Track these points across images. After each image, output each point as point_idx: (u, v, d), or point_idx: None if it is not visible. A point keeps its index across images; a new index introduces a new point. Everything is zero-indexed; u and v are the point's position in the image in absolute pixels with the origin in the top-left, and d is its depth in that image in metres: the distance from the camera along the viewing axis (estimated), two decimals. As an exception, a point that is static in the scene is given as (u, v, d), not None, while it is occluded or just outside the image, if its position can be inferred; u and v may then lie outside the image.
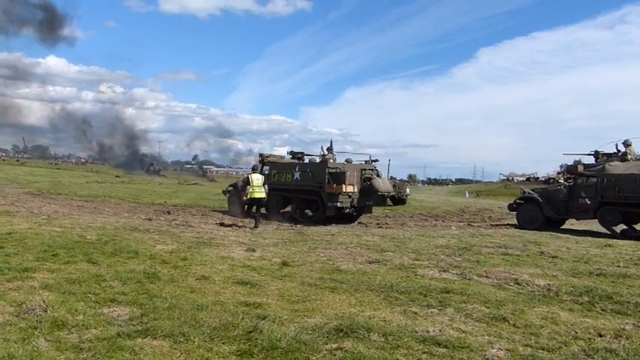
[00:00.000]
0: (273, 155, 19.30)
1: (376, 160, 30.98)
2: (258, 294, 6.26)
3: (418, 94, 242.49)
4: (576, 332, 5.14)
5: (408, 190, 30.14)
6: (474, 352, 4.42)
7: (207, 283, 6.69)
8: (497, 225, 18.51)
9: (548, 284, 7.35)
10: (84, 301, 5.45)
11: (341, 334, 4.69)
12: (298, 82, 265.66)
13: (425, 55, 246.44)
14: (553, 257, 10.15)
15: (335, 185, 15.55)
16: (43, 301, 5.14)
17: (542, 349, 4.58)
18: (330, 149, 17.73)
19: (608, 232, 15.68)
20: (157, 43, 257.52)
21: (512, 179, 74.95)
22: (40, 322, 4.63)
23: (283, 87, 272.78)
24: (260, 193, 14.22)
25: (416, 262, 9.08)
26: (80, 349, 4.08)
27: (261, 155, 19.03)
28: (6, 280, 6.17)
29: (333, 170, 15.90)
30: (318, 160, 17.64)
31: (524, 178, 72.20)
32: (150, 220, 14.68)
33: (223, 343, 4.39)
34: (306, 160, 18.29)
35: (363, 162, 17.92)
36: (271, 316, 5.21)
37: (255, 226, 13.90)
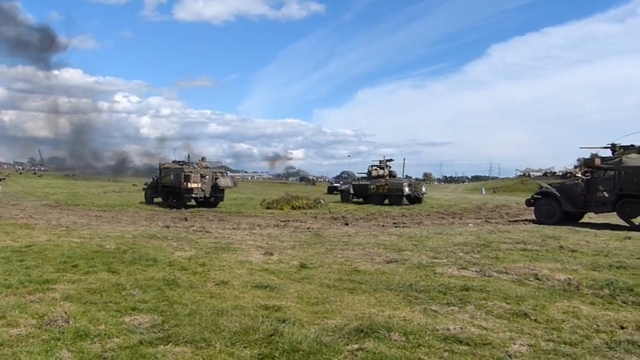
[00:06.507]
0: (167, 163, 27.01)
1: (391, 160, 31.77)
2: (278, 297, 6.27)
3: (431, 93, 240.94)
4: (598, 325, 5.11)
5: (424, 188, 30.56)
6: (495, 349, 4.39)
7: (226, 288, 6.72)
8: (515, 221, 18.38)
9: (569, 278, 7.28)
10: (105, 310, 5.50)
11: (362, 335, 4.68)
12: (311, 84, 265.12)
13: (436, 53, 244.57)
14: (572, 251, 10.06)
15: (186, 183, 23.12)
16: (65, 312, 5.20)
17: (565, 344, 4.55)
18: (203, 159, 26.48)
19: (627, 225, 15.52)
20: (173, 52, 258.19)
21: (529, 175, 74.19)
22: (63, 333, 4.67)
23: (296, 90, 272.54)
24: None
25: (434, 260, 9.05)
26: (103, 358, 4.11)
27: (160, 164, 27.04)
28: (27, 292, 6.23)
29: (187, 173, 23.37)
30: (196, 165, 25.36)
31: (540, 173, 71.54)
32: (167, 227, 14.80)
33: (245, 347, 4.40)
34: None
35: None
36: (291, 318, 5.22)
37: None
